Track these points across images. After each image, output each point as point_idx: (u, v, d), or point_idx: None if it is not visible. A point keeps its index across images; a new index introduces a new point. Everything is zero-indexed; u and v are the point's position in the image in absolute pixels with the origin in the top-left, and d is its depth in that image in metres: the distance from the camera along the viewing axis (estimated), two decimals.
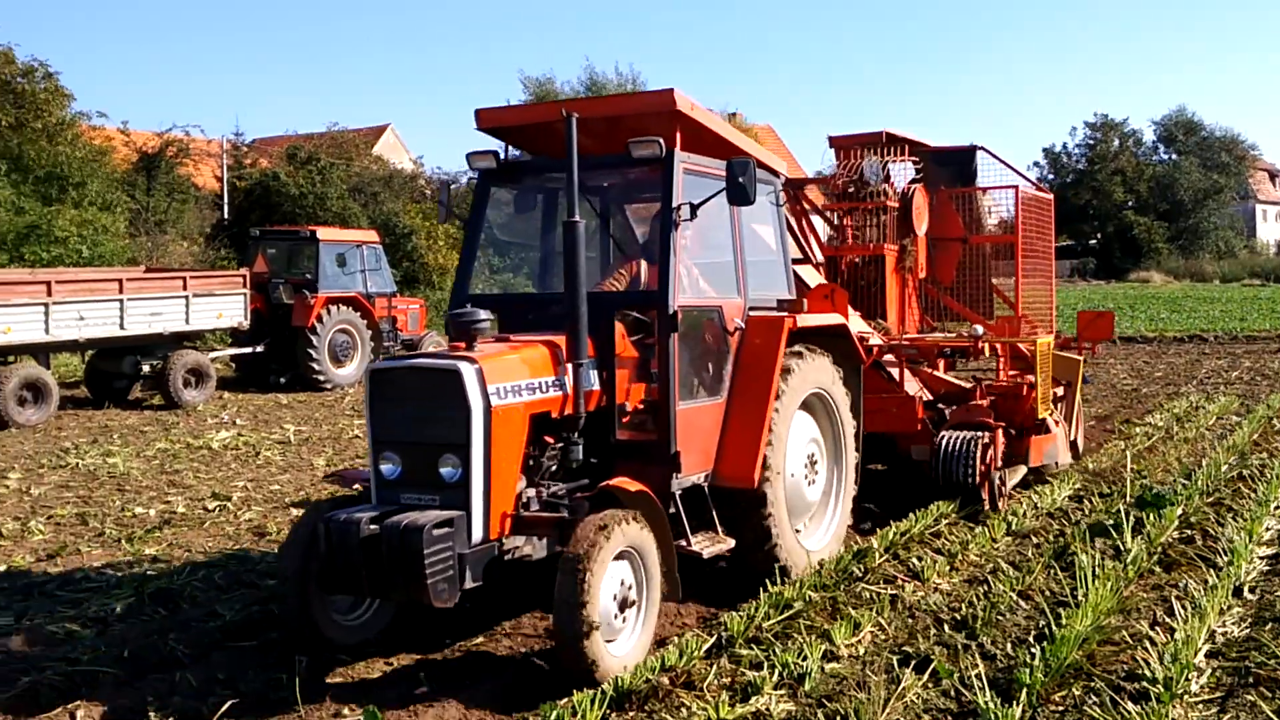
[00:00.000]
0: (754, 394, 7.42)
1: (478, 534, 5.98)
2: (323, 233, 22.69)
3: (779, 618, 6.72)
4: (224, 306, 19.89)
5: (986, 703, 5.23)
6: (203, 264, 33.35)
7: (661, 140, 6.85)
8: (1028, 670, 5.60)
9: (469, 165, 7.85)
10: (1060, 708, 5.39)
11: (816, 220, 12.51)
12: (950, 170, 12.52)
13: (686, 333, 7.14)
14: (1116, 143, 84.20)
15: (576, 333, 6.53)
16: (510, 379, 6.26)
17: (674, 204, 6.96)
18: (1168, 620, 6.56)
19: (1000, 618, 6.73)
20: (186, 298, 19.27)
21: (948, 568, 7.92)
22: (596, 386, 6.88)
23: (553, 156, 7.30)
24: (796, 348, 7.79)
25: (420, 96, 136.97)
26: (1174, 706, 5.28)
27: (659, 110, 7.24)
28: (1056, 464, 11.22)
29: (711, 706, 5.36)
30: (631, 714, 5.39)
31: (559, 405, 6.60)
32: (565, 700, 5.42)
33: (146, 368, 19.10)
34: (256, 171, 40.55)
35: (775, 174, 8.40)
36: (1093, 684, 5.59)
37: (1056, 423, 11.08)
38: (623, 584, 6.06)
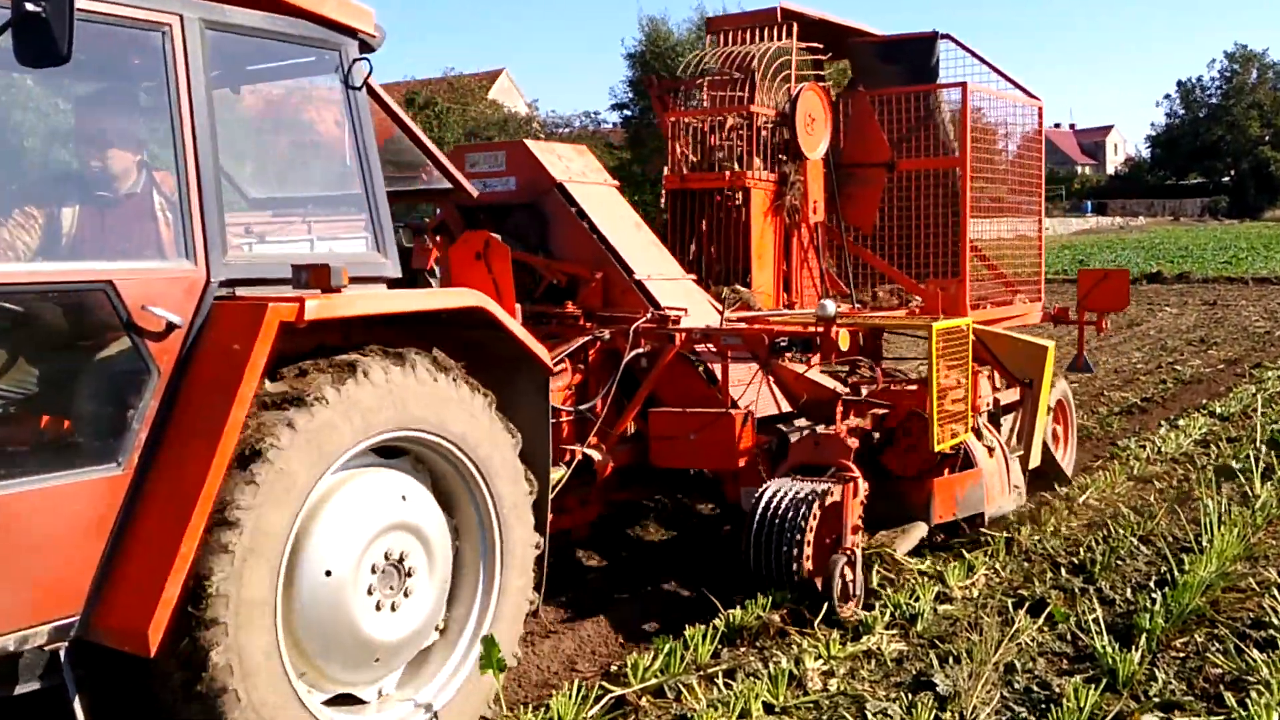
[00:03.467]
0: (190, 455, 3.79)
1: None
2: None
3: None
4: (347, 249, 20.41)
5: (1104, 647, 5.17)
6: None
7: None
8: (1148, 615, 5.50)
9: None
10: (1181, 654, 5.29)
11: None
12: (901, 69, 8.93)
13: None
14: (1254, 75, 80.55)
15: None
16: None
17: None
18: None
19: (1120, 562, 6.61)
20: (311, 241, 19.81)
21: (1065, 511, 7.79)
22: None
23: None
24: (350, 356, 4.23)
25: (535, 40, 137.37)
26: None
27: None
28: (984, 516, 7.02)
29: (822, 644, 5.39)
30: (743, 649, 5.46)
31: None
32: (679, 636, 5.50)
33: None
34: (375, 117, 41.20)
35: (346, 31, 4.64)
36: (1216, 631, 5.47)
37: (991, 450, 7.11)
38: None
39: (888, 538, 6.58)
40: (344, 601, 4.18)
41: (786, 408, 7.13)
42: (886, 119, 8.75)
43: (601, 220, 7.15)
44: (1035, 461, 7.78)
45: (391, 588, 4.37)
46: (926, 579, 6.29)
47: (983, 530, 7.09)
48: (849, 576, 5.87)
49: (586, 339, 6.65)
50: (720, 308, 7.35)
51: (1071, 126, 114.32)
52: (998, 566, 6.63)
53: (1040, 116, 9.69)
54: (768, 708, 4.81)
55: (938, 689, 4.88)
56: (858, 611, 5.81)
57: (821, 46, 8.76)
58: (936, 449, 6.39)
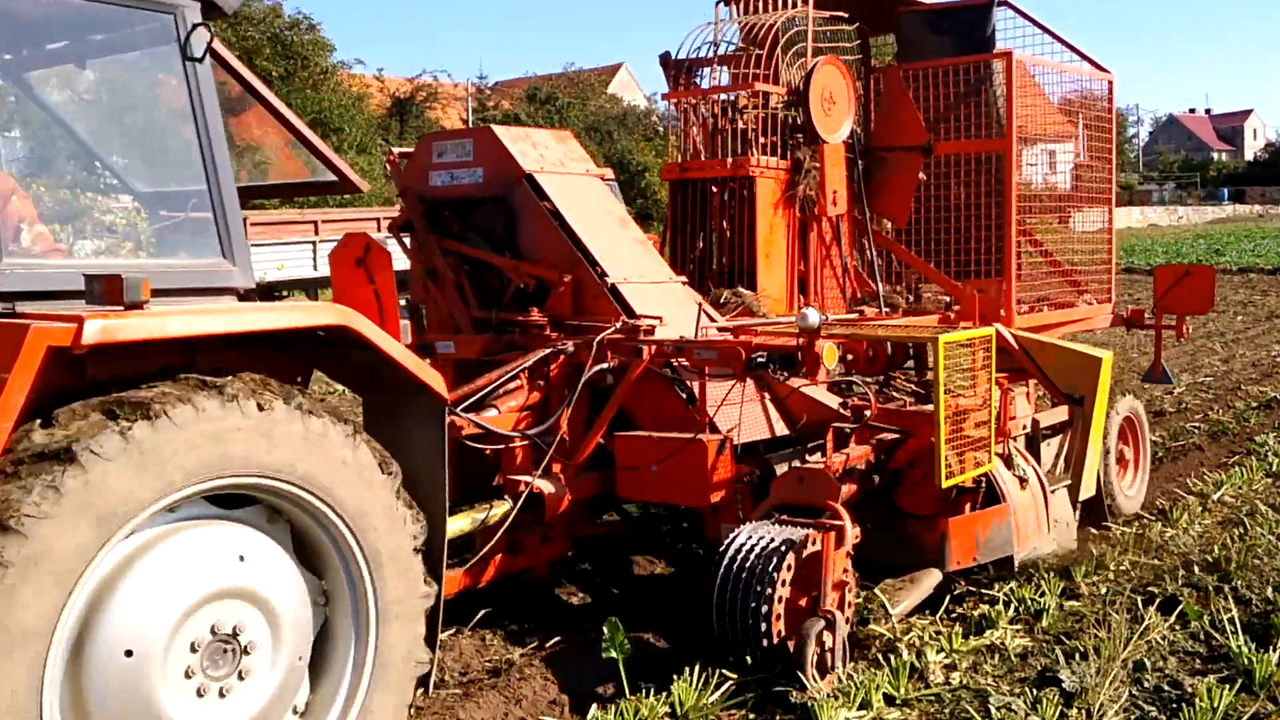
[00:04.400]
0: None
1: None
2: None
3: None
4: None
5: (1240, 647, 5.03)
6: None
7: None
8: None
9: None
10: None
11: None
12: (951, 40, 8.01)
13: None
14: None
15: None
16: None
17: None
18: None
19: (1257, 561, 6.39)
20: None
21: (1199, 509, 7.58)
22: None
23: None
24: (162, 388, 3.43)
25: (653, 35, 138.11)
26: None
27: None
28: (1013, 560, 5.95)
29: (945, 638, 5.36)
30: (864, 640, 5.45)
31: None
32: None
33: (402, 301, 20.23)
34: (499, 113, 41.94)
35: None
36: None
37: (1023, 482, 6.10)
38: None
39: (892, 588, 5.63)
40: (150, 691, 3.34)
41: (784, 430, 6.09)
42: (928, 97, 7.80)
43: (575, 216, 6.26)
44: (1088, 491, 6.86)
45: (220, 669, 3.53)
46: (1052, 575, 6.19)
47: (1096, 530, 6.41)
48: (828, 644, 4.88)
49: (547, 351, 5.84)
50: (715, 315, 6.39)
51: (1207, 111, 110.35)
52: (1127, 563, 6.48)
53: (1111, 91, 8.62)
54: (888, 699, 4.79)
55: (1064, 685, 4.80)
56: (833, 684, 4.87)
57: (847, 15, 7.82)
58: (945, 484, 5.45)
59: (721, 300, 6.86)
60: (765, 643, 4.89)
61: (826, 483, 5.34)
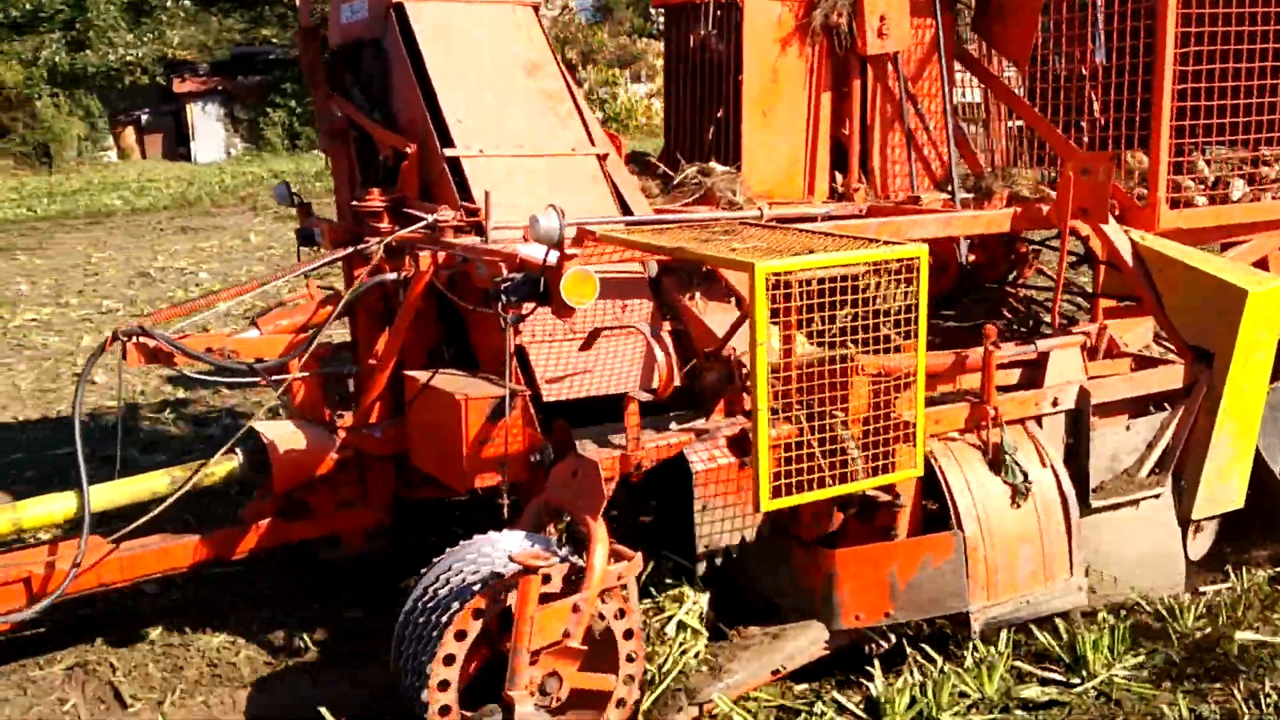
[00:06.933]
0: None
1: None
2: None
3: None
4: None
5: None
6: None
7: None
8: None
9: None
10: None
11: None
12: None
13: None
14: None
15: None
16: None
17: None
18: None
19: None
20: None
21: None
22: None
23: None
24: None
25: None
26: None
27: None
28: (969, 615, 3.87)
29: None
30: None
31: None
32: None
33: None
34: None
35: None
36: None
37: (1017, 492, 3.98)
38: None
39: (734, 649, 3.85)
40: None
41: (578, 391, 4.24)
42: None
43: (440, 59, 4.52)
44: (1221, 504, 4.65)
45: None
46: None
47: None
48: None
49: (346, 253, 4.48)
50: (638, 205, 4.47)
51: None
52: None
53: None
54: None
55: None
56: None
57: None
58: (767, 506, 3.34)
59: (676, 180, 5.01)
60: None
61: (590, 482, 3.47)
